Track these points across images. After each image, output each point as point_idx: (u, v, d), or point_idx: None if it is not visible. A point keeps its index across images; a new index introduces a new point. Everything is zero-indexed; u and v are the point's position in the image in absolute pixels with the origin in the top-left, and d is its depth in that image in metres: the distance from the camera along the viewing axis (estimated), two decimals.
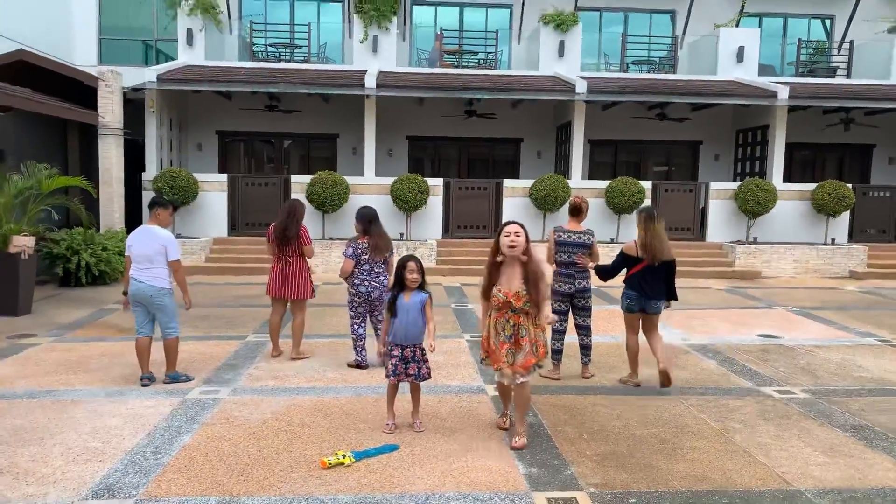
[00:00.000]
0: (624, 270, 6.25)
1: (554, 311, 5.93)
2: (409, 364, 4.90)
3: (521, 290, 4.55)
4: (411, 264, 4.89)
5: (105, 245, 11.39)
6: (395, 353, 4.89)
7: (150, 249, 5.84)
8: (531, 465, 4.40)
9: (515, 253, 4.54)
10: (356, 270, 6.43)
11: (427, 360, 5.01)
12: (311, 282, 6.97)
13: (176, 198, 13.19)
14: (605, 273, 6.28)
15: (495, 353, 4.70)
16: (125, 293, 6.03)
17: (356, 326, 6.60)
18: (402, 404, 5.16)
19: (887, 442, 4.91)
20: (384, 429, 4.95)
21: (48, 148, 12.97)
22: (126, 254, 6.01)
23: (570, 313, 6.44)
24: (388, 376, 4.96)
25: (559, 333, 6.40)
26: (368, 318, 6.69)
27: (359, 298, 6.51)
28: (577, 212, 6.33)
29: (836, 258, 14.32)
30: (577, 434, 4.97)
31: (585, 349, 6.49)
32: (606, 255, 13.88)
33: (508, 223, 4.68)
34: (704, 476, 4.29)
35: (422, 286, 4.94)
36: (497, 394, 5.75)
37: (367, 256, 6.43)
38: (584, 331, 6.45)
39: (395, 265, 6.45)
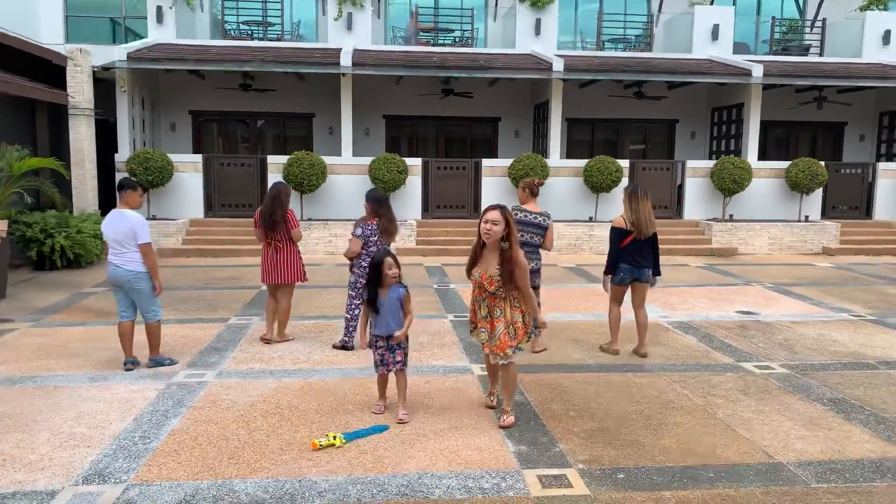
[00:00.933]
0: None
1: None
2: (395, 352, 4.86)
3: (495, 275, 4.57)
4: (388, 260, 4.81)
5: (80, 227, 11.18)
6: (381, 344, 4.86)
7: (121, 233, 5.74)
8: (520, 443, 4.45)
9: (490, 240, 4.57)
10: (363, 252, 6.34)
11: (407, 349, 4.97)
12: (303, 265, 6.90)
13: (150, 179, 12.98)
14: (612, 266, 6.47)
15: (474, 313, 4.86)
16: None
17: (353, 307, 6.56)
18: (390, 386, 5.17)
19: (864, 415, 5.05)
20: (373, 409, 4.96)
21: (16, 129, 12.64)
22: (104, 238, 5.93)
23: None
24: (376, 368, 4.94)
25: None
26: None
27: (362, 279, 6.47)
28: (534, 194, 6.61)
29: (809, 235, 14.59)
30: (564, 412, 5.04)
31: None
32: (585, 235, 14.04)
33: (490, 209, 4.63)
34: (690, 450, 4.38)
35: (399, 278, 4.89)
36: (485, 373, 5.81)
37: (375, 238, 6.35)
38: None
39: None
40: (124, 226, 5.75)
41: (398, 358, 4.88)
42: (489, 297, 4.66)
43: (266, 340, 6.80)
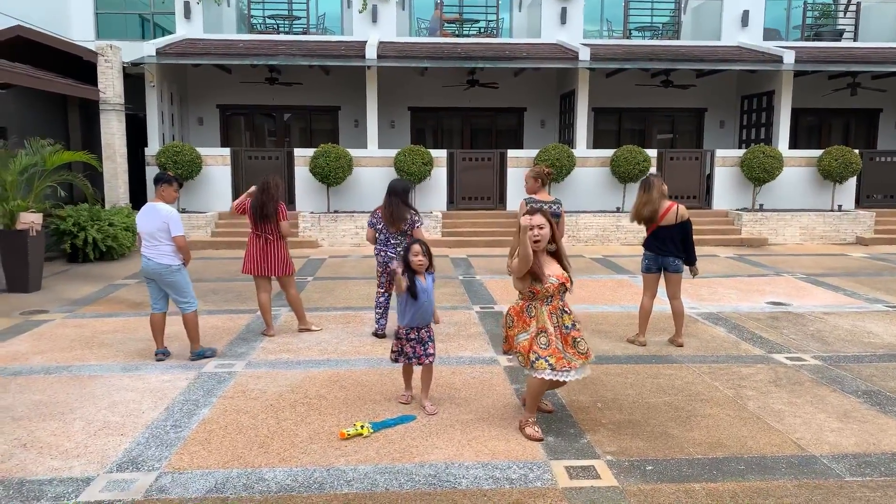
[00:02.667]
0: None
1: None
2: (426, 345, 4.82)
3: (564, 273, 4.34)
4: (416, 247, 4.77)
5: (111, 220, 11.39)
6: (413, 336, 4.80)
7: (154, 226, 5.82)
8: (547, 434, 4.44)
9: (542, 246, 4.29)
10: (379, 238, 6.56)
11: (434, 340, 4.95)
12: (290, 258, 6.87)
13: (180, 173, 13.15)
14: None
15: (558, 350, 4.27)
16: None
17: (378, 295, 6.73)
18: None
19: None
20: (400, 398, 4.98)
21: (49, 124, 12.90)
22: (138, 231, 6.02)
23: None
24: (408, 360, 4.85)
25: None
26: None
27: (379, 268, 6.65)
28: (545, 182, 6.74)
29: (842, 224, 14.29)
30: (592, 403, 5.01)
31: None
32: (612, 225, 13.91)
33: (531, 213, 4.33)
34: (719, 443, 4.33)
35: (428, 267, 4.86)
36: (511, 363, 5.80)
37: (380, 226, 6.51)
38: None
39: (422, 239, 6.51)
40: (157, 219, 5.83)
41: (430, 350, 4.83)
42: (563, 304, 4.38)
43: (271, 336, 6.77)
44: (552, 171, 6.67)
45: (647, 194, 6.33)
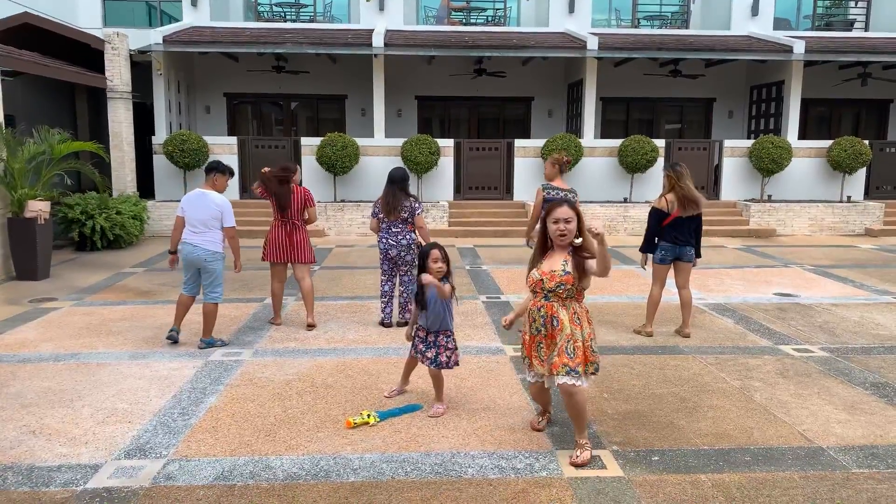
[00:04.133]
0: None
1: None
2: (429, 348, 4.62)
3: (558, 270, 3.89)
4: (435, 252, 4.54)
5: (119, 209, 11.43)
6: (420, 334, 4.68)
7: (206, 214, 5.88)
8: (553, 424, 4.44)
9: (565, 242, 3.91)
10: (382, 227, 6.62)
11: (454, 349, 4.64)
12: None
13: (186, 161, 13.14)
14: (649, 243, 6.50)
15: (528, 349, 4.09)
16: (172, 252, 6.13)
17: (382, 283, 6.76)
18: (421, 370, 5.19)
19: None
20: (388, 392, 4.87)
21: (57, 112, 12.93)
22: (178, 214, 6.02)
23: None
24: (416, 352, 4.75)
25: None
26: (397, 278, 6.76)
27: (381, 255, 6.67)
28: (563, 171, 6.69)
29: (851, 216, 14.21)
30: (598, 393, 5.00)
31: None
32: (619, 216, 13.87)
33: (557, 205, 3.96)
34: (726, 434, 4.32)
35: (446, 275, 4.58)
36: (518, 353, 5.80)
37: (381, 215, 6.59)
38: None
39: (423, 226, 6.49)
40: (211, 207, 5.88)
41: (429, 355, 4.59)
42: (545, 304, 3.93)
43: (278, 324, 6.77)
44: (570, 158, 6.65)
45: (684, 181, 6.25)
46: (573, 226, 3.89)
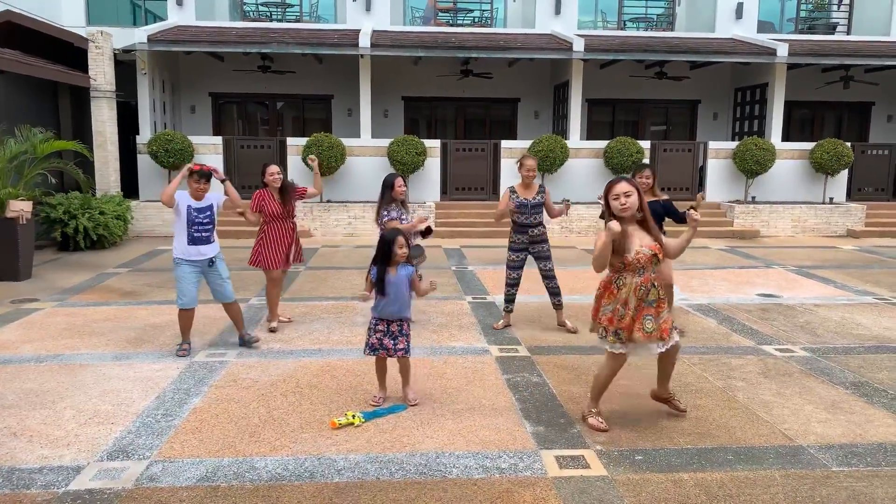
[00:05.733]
0: None
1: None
2: (398, 339, 4.69)
3: (655, 242, 4.20)
4: (400, 239, 4.63)
5: (102, 209, 11.33)
6: (381, 327, 4.69)
7: None
8: (538, 424, 4.46)
9: (629, 213, 4.15)
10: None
11: (409, 335, 4.80)
12: None
13: (171, 161, 13.07)
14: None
15: (629, 323, 4.20)
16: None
17: None
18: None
19: (887, 398, 4.99)
20: (372, 401, 4.78)
21: (40, 111, 12.79)
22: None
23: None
24: (372, 351, 4.72)
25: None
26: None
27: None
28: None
29: (834, 217, 14.37)
30: (583, 393, 5.02)
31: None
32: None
33: (616, 181, 4.21)
34: (708, 433, 4.36)
35: (408, 259, 4.74)
36: (504, 354, 5.82)
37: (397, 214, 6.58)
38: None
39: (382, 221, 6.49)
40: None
41: (401, 345, 4.69)
42: (643, 278, 4.15)
43: (274, 329, 6.63)
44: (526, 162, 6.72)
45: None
46: (634, 199, 4.13)
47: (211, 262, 5.81)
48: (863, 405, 4.86)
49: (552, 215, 6.71)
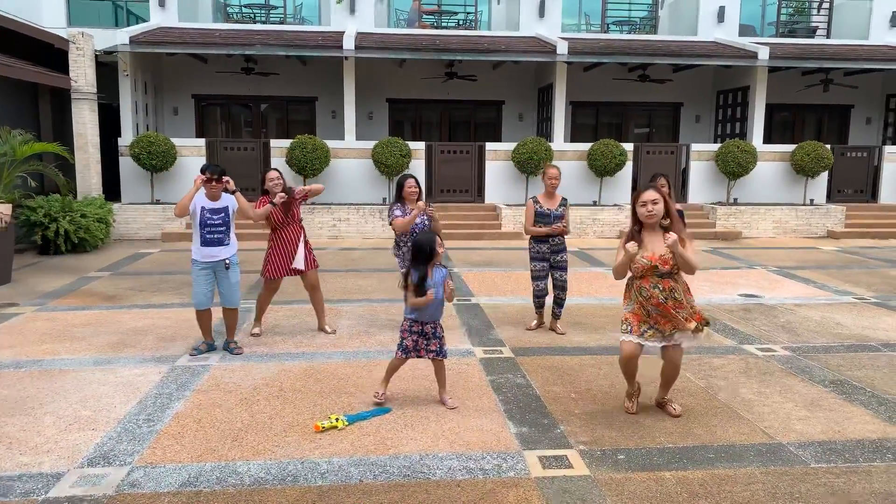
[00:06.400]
0: None
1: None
2: (430, 340, 4.75)
3: (666, 254, 4.31)
4: (438, 238, 4.71)
5: (84, 212, 11.22)
6: (415, 329, 4.73)
7: None
8: (521, 425, 4.48)
9: (653, 221, 4.34)
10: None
11: (444, 337, 4.85)
12: None
13: (154, 163, 12.98)
14: None
15: (641, 317, 4.44)
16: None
17: None
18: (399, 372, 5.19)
19: (865, 396, 5.06)
20: (375, 397, 4.82)
21: (19, 113, 12.65)
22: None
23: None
24: (406, 353, 4.75)
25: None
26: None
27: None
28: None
29: (814, 218, 14.53)
30: (566, 393, 5.05)
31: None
32: (588, 219, 13.99)
33: (644, 189, 4.41)
34: (690, 432, 4.40)
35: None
36: (488, 356, 5.84)
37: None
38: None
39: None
40: None
41: (432, 347, 4.75)
42: (660, 280, 4.33)
43: (257, 334, 6.55)
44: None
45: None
46: (660, 206, 4.31)
47: (226, 265, 5.78)
48: (842, 403, 4.92)
49: (566, 232, 6.67)
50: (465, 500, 3.53)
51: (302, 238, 6.50)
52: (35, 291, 8.46)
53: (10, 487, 3.62)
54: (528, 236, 6.69)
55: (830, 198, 15.48)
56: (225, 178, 5.84)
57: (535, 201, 6.63)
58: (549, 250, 6.60)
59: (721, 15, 16.40)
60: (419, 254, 4.69)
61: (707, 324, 4.48)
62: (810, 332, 6.85)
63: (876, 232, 14.28)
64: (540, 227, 6.53)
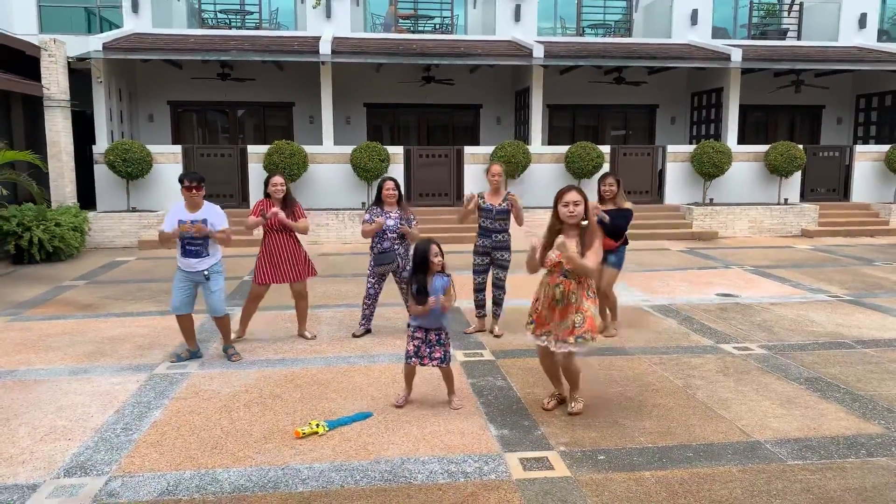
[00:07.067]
0: None
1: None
2: (434, 348, 4.77)
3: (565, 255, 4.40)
4: (434, 248, 4.76)
5: (58, 221, 11.06)
6: (419, 335, 4.76)
7: None
8: (502, 427, 4.49)
9: (574, 221, 4.49)
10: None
11: (449, 344, 4.89)
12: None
13: (129, 171, 12.84)
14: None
15: (542, 318, 4.59)
16: None
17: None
18: (382, 376, 5.19)
19: (840, 393, 5.14)
20: (396, 401, 4.85)
21: None
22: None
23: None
24: (408, 359, 4.81)
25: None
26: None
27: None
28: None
29: (788, 217, 14.74)
30: (547, 395, 5.07)
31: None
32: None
33: (567, 190, 4.54)
34: (669, 431, 4.44)
35: (442, 268, 4.80)
36: (469, 358, 5.85)
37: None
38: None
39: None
40: None
41: (436, 354, 4.76)
42: (563, 280, 4.47)
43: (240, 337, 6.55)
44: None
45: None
46: (581, 208, 4.46)
47: (206, 276, 5.74)
48: (816, 400, 5.00)
49: (519, 223, 6.73)
50: (446, 503, 3.54)
51: (294, 247, 6.46)
52: (8, 301, 8.33)
53: None
54: (476, 233, 6.83)
55: (804, 197, 15.72)
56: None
57: (481, 196, 6.73)
58: (490, 246, 6.69)
59: (694, 17, 16.61)
60: (415, 262, 4.76)
61: (592, 339, 4.52)
62: (786, 330, 6.95)
63: (848, 230, 14.53)
64: (482, 220, 6.69)
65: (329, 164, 14.19)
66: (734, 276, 9.91)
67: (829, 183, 15.95)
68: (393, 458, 4.06)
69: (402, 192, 6.78)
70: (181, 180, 5.68)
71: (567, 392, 4.84)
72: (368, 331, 6.78)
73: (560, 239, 4.40)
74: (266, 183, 6.38)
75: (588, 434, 4.39)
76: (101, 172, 13.45)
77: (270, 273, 6.41)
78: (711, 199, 15.19)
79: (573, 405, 4.73)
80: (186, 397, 5.03)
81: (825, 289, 8.97)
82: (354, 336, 6.65)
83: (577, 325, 4.44)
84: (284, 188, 6.35)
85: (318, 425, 4.41)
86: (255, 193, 14.07)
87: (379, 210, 6.55)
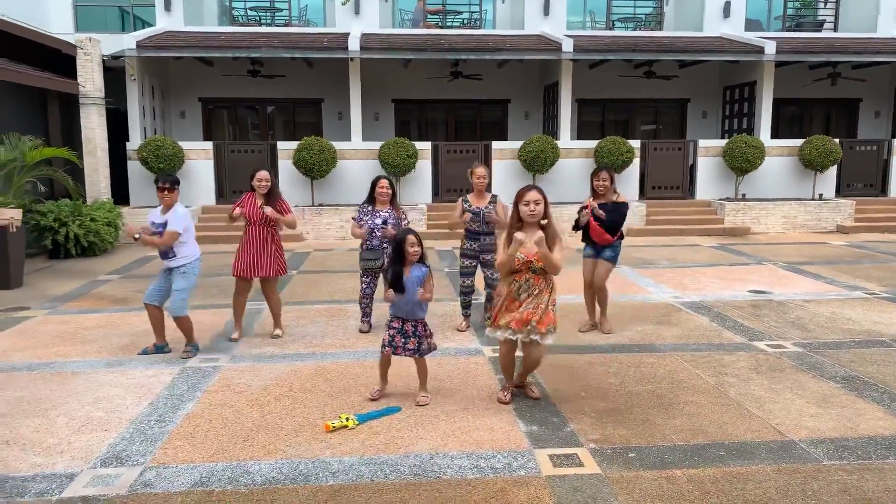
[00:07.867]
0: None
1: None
2: (408, 338, 4.78)
3: (536, 252, 4.53)
4: (411, 237, 4.73)
5: (93, 216, 11.27)
6: (395, 325, 4.79)
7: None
8: (531, 423, 4.47)
9: (534, 220, 4.55)
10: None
11: (430, 335, 4.89)
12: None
13: (161, 167, 13.04)
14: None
15: (505, 310, 4.64)
16: None
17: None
18: (398, 370, 5.21)
19: (877, 392, 5.03)
20: (371, 394, 4.89)
21: (28, 119, 12.73)
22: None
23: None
24: (383, 347, 4.85)
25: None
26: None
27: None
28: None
29: (823, 213, 14.45)
30: (576, 392, 5.05)
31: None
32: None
33: (527, 190, 4.62)
34: (701, 429, 4.39)
35: (422, 259, 4.80)
36: (496, 354, 5.84)
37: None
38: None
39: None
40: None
41: (410, 346, 4.77)
42: (533, 276, 4.58)
43: (235, 339, 6.44)
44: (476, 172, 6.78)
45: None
46: (541, 207, 4.55)
47: (171, 272, 5.90)
48: (853, 399, 4.90)
49: (500, 228, 6.50)
50: (475, 498, 3.54)
51: (272, 243, 6.37)
52: (46, 295, 8.52)
53: (24, 488, 3.65)
54: (462, 236, 6.82)
55: (839, 192, 15.40)
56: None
57: (465, 200, 6.73)
58: (479, 249, 6.68)
59: (727, 10, 16.33)
60: (392, 252, 4.83)
61: (548, 332, 4.59)
62: (821, 327, 6.81)
63: (886, 226, 14.18)
64: (470, 224, 6.68)
65: (358, 160, 14.26)
66: (767, 273, 9.74)
67: (866, 178, 15.61)
68: (422, 452, 4.07)
69: (396, 192, 6.83)
70: (156, 181, 5.91)
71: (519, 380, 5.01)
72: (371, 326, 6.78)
73: (520, 235, 4.46)
74: (251, 176, 6.41)
75: (618, 431, 4.36)
76: (134, 168, 13.68)
77: (243, 267, 6.35)
78: (744, 195, 14.95)
79: (533, 389, 4.96)
80: (218, 390, 5.10)
81: (861, 285, 8.78)
82: (361, 332, 6.69)
83: (542, 318, 4.56)
84: (269, 183, 6.35)
85: (347, 419, 4.44)
86: (285, 189, 14.19)
87: (369, 209, 6.55)
